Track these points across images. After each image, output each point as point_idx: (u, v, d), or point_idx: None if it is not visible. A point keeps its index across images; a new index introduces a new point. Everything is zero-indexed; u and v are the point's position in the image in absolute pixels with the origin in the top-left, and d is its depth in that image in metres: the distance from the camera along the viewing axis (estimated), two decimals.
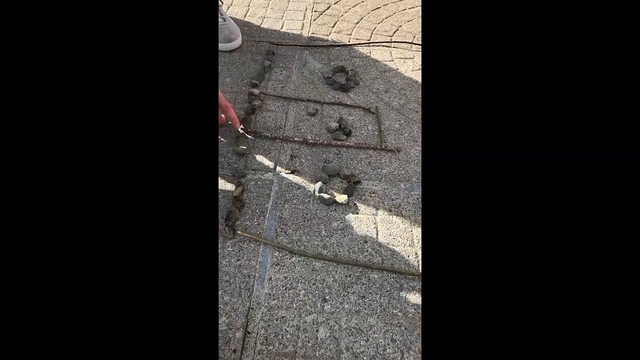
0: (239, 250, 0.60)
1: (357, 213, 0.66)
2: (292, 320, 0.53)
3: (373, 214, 0.66)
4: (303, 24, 1.10)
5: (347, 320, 0.54)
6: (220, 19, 0.99)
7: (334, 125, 0.80)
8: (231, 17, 1.06)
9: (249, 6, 1.16)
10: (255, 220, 0.64)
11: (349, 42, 1.04)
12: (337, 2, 1.20)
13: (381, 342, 0.52)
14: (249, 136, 0.77)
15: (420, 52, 1.02)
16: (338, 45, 1.02)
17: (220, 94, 0.71)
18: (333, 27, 1.10)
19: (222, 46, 0.98)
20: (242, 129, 0.75)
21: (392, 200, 0.68)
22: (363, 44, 1.04)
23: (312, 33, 1.07)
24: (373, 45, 1.04)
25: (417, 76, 0.95)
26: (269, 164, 0.73)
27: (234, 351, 0.50)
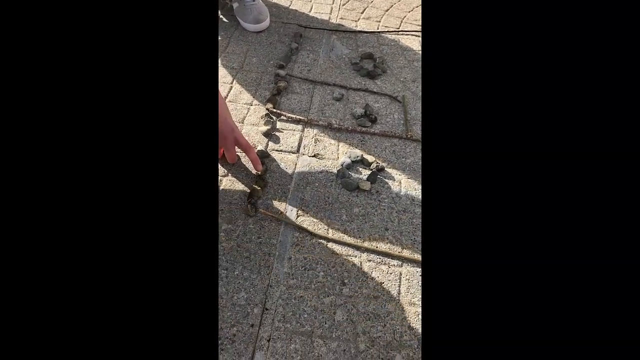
0: (260, 228, 0.60)
1: (379, 200, 0.65)
2: (310, 300, 0.53)
3: (395, 202, 0.65)
4: (332, 8, 1.09)
5: (364, 305, 0.53)
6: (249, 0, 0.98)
7: (360, 111, 0.79)
8: None
9: None
10: (277, 200, 0.64)
11: (378, 29, 1.03)
12: None
13: (398, 329, 0.51)
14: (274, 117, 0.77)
15: None
16: (366, 32, 1.01)
17: (241, 135, 0.65)
18: (362, 13, 1.08)
19: (250, 27, 0.97)
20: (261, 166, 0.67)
21: (415, 190, 0.67)
22: (392, 31, 1.02)
23: (341, 18, 1.05)
24: (402, 34, 1.02)
25: None
26: (293, 146, 0.73)
27: (252, 325, 0.51)
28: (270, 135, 0.74)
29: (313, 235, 0.60)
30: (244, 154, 0.69)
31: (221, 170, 0.68)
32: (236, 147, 0.67)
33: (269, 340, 0.49)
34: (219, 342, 0.49)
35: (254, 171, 0.67)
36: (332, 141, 0.74)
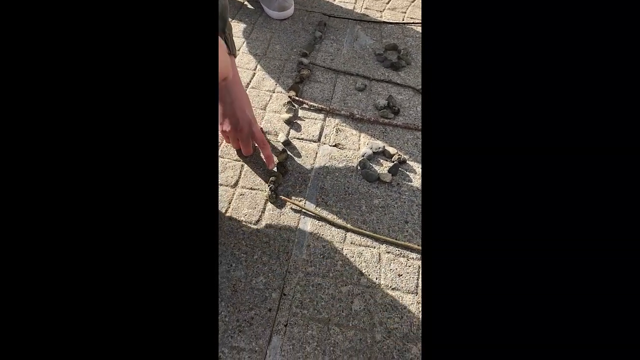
0: (280, 215, 0.60)
1: (400, 193, 0.65)
2: (328, 288, 0.53)
3: (416, 195, 0.65)
4: None
5: (382, 296, 0.53)
6: None
7: (382, 102, 0.78)
8: None
9: None
10: (297, 188, 0.64)
11: (403, 20, 1.01)
12: None
13: (415, 322, 0.51)
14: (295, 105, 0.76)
15: None
16: (391, 23, 0.99)
17: (258, 129, 0.64)
18: (387, 3, 1.06)
19: (274, 14, 0.97)
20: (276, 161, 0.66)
21: None
22: (418, 23, 1.00)
23: (366, 8, 1.04)
24: None
25: None
26: (314, 134, 0.72)
27: (270, 310, 0.51)
28: (291, 123, 0.74)
29: (332, 224, 0.60)
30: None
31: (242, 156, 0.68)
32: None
33: (286, 325, 0.50)
34: (237, 324, 0.50)
35: (271, 167, 0.65)
36: (354, 131, 0.73)
